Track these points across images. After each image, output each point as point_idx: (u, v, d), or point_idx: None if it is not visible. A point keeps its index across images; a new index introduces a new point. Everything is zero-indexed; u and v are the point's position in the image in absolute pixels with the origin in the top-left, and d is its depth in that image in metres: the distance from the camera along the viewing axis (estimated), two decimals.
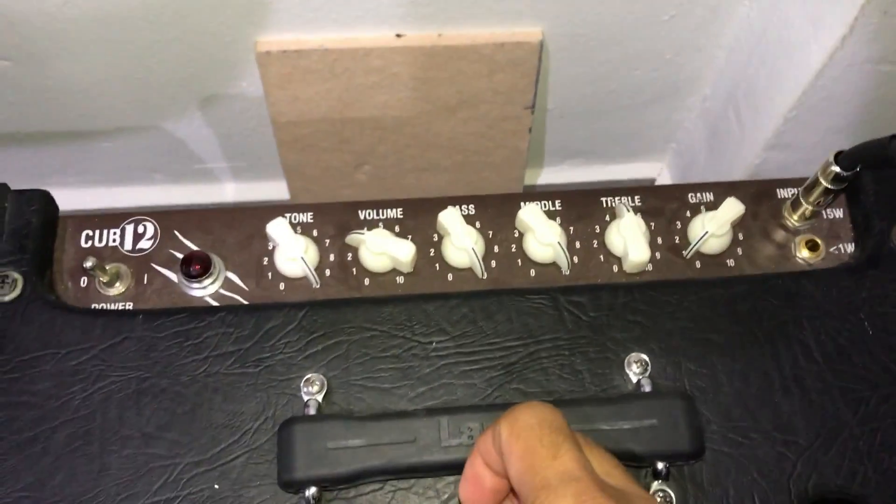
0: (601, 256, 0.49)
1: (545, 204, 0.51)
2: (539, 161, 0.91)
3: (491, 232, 0.50)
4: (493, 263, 0.49)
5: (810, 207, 0.48)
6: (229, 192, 0.91)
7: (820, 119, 0.67)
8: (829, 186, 0.46)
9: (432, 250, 0.49)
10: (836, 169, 0.45)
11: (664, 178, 0.92)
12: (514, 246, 0.50)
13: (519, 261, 0.49)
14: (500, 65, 0.74)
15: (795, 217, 0.49)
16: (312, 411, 0.42)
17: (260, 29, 0.69)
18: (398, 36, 0.71)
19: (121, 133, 0.81)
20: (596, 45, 0.73)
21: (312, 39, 0.71)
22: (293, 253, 0.47)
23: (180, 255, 0.48)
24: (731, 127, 0.76)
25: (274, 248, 0.48)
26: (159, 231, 0.49)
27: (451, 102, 0.78)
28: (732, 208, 0.48)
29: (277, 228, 0.47)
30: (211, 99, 0.77)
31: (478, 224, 0.50)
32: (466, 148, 0.84)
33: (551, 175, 0.92)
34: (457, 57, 0.73)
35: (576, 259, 0.49)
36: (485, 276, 0.48)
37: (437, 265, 0.49)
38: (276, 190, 0.90)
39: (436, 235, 0.50)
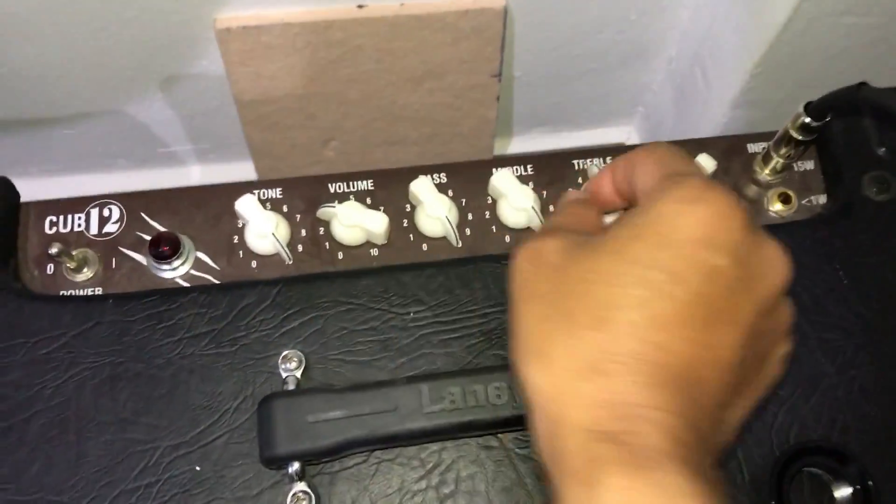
0: None
1: (517, 169, 0.50)
2: (508, 130, 0.91)
3: (464, 199, 0.50)
4: (468, 231, 0.49)
5: (781, 160, 0.48)
6: (195, 174, 0.89)
7: (786, 74, 0.67)
8: (800, 137, 0.46)
9: (405, 220, 0.49)
10: (807, 119, 0.45)
11: (633, 141, 0.92)
12: (487, 213, 0.49)
13: (493, 227, 0.49)
14: (465, 33, 0.73)
15: (767, 171, 0.49)
16: (291, 387, 0.42)
17: (218, 5, 0.68)
18: (360, 7, 0.70)
19: (81, 119, 0.79)
20: (560, 10, 0.72)
21: (272, 14, 0.70)
22: (263, 230, 0.46)
23: (148, 238, 0.47)
24: (698, 87, 0.76)
25: (244, 225, 0.48)
26: (125, 214, 0.48)
27: (416, 73, 0.77)
28: (703, 165, 0.48)
29: (246, 205, 0.46)
30: (172, 80, 0.76)
31: (450, 192, 0.50)
32: (434, 119, 0.83)
33: (521, 144, 0.92)
34: (420, 26, 0.72)
35: None
36: (460, 245, 0.48)
37: (411, 235, 0.49)
38: (243, 170, 0.89)
39: (408, 206, 0.49)
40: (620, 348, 0.30)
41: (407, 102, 0.80)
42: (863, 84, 0.41)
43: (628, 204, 0.40)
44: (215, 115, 0.81)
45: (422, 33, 0.73)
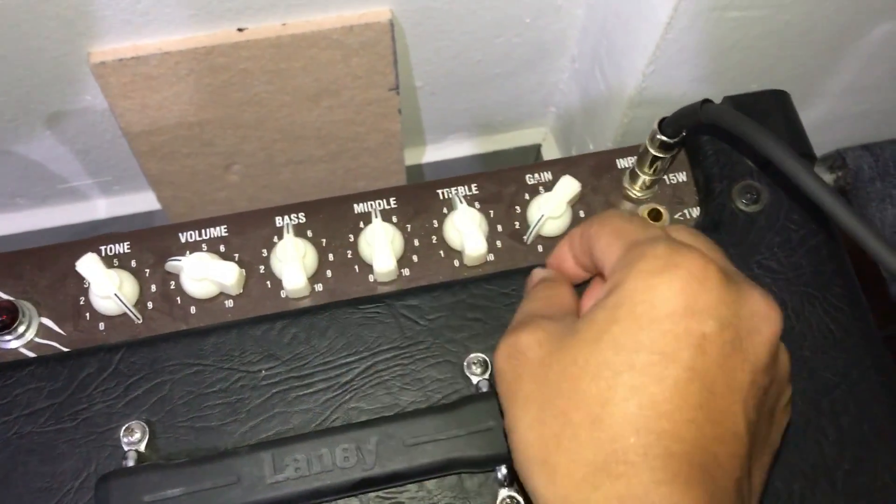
0: (441, 252, 0.47)
1: (380, 203, 0.48)
2: (420, 139, 0.88)
3: (324, 239, 0.47)
4: (329, 273, 0.47)
5: (648, 177, 0.46)
6: (101, 208, 0.87)
7: (679, 71, 0.65)
8: (658, 154, 0.44)
9: (262, 267, 0.47)
10: (662, 137, 0.43)
11: (549, 142, 0.90)
12: (349, 251, 0.47)
13: (356, 266, 0.47)
14: (353, 48, 0.71)
15: (637, 187, 0.47)
16: (131, 462, 0.39)
17: (90, 39, 0.65)
18: (240, 30, 0.68)
19: None
20: (450, 18, 0.70)
21: (150, 44, 0.67)
22: (106, 291, 0.43)
23: None
24: (599, 86, 0.74)
25: (88, 286, 0.45)
26: None
27: (310, 92, 0.74)
28: (567, 187, 0.45)
29: (87, 266, 0.44)
30: (57, 116, 0.73)
31: (309, 233, 0.47)
32: (338, 136, 0.80)
33: (435, 152, 0.90)
34: (306, 45, 0.70)
35: (415, 258, 0.47)
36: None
37: (268, 282, 0.46)
38: (148, 201, 0.86)
39: (265, 251, 0.47)
40: (623, 445, 0.29)
41: (306, 121, 0.78)
42: (706, 101, 0.39)
43: (593, 274, 0.39)
44: (110, 147, 0.79)
45: (309, 52, 0.70)
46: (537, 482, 0.31)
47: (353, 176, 0.86)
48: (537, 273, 0.41)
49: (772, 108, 0.47)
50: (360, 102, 0.76)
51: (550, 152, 0.89)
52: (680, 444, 0.28)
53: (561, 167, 0.48)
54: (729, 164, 0.46)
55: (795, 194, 0.45)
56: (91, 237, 0.47)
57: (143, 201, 0.87)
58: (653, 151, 0.44)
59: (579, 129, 0.82)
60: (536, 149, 0.91)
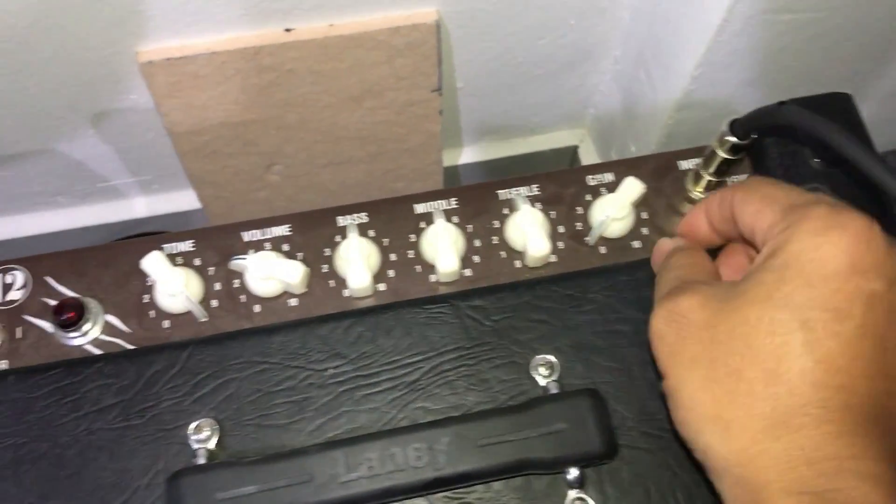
0: (503, 253, 0.47)
1: (441, 203, 0.48)
2: (457, 141, 0.88)
3: (386, 239, 0.47)
4: (391, 273, 0.47)
5: (712, 178, 0.46)
6: (140, 207, 0.87)
7: (728, 74, 0.65)
8: (727, 157, 0.44)
9: (325, 266, 0.47)
10: (733, 139, 0.43)
11: (587, 143, 0.89)
12: (411, 252, 0.47)
13: (418, 267, 0.47)
14: (399, 49, 0.71)
15: (699, 189, 0.47)
16: (202, 460, 0.39)
17: (139, 38, 0.65)
18: (287, 30, 0.68)
19: (14, 160, 0.77)
20: (496, 19, 0.70)
21: (197, 43, 0.67)
22: (173, 288, 0.44)
23: (54, 303, 0.45)
24: (643, 89, 0.74)
25: (153, 283, 0.45)
26: (30, 279, 0.46)
27: (354, 93, 0.75)
28: (631, 188, 0.45)
29: (152, 263, 0.44)
30: (102, 115, 0.73)
31: (371, 232, 0.47)
32: (378, 137, 0.80)
33: (472, 154, 0.90)
34: (352, 46, 0.70)
35: (477, 258, 0.47)
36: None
37: (331, 281, 0.46)
38: (187, 200, 0.86)
39: (328, 250, 0.47)
40: (801, 399, 0.30)
41: (348, 122, 0.78)
42: (782, 103, 0.39)
43: (728, 241, 0.40)
44: (152, 146, 0.79)
45: (355, 53, 0.70)
46: (710, 438, 0.32)
47: (391, 177, 0.86)
48: (666, 243, 0.42)
49: (835, 110, 0.47)
50: (403, 103, 0.76)
51: (588, 154, 0.89)
52: (856, 397, 0.29)
53: (622, 168, 0.48)
54: (794, 166, 0.46)
55: (860, 197, 0.45)
56: (156, 234, 0.47)
57: (182, 200, 0.88)
58: (722, 154, 0.44)
59: (620, 132, 0.82)
60: (573, 151, 0.91)
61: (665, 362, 0.35)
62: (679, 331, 0.34)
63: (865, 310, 0.30)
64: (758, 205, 0.35)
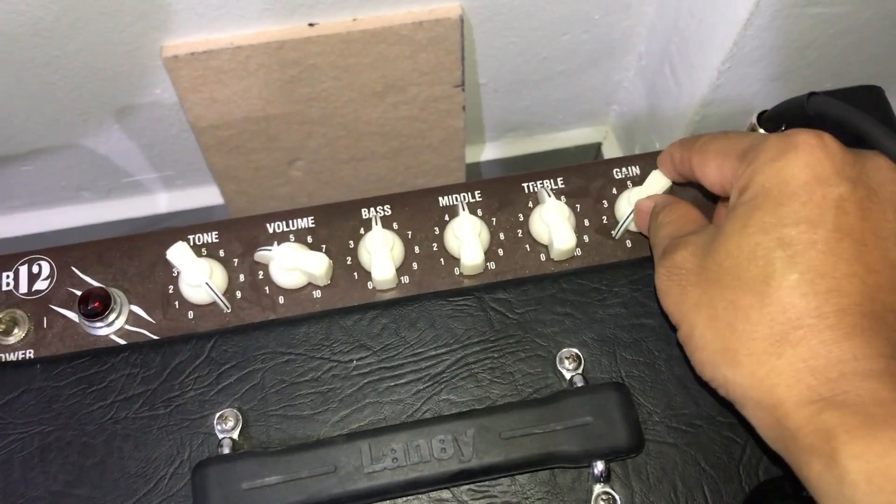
0: (527, 246, 0.47)
1: (465, 196, 0.48)
2: (480, 137, 0.88)
3: (410, 232, 0.47)
4: (415, 265, 0.46)
5: None
6: (162, 202, 0.87)
7: (755, 69, 0.64)
8: None
9: (349, 258, 0.47)
10: (761, 130, 0.43)
11: (610, 140, 0.89)
12: (435, 244, 0.47)
13: (442, 260, 0.47)
14: (422, 44, 0.71)
15: None
16: (227, 450, 0.39)
17: (164, 33, 0.66)
18: (311, 25, 0.68)
19: (38, 155, 0.77)
20: (519, 14, 0.70)
21: (221, 38, 0.68)
22: (196, 279, 0.44)
23: (79, 293, 0.45)
24: (669, 84, 0.73)
25: (178, 274, 0.45)
26: (55, 269, 0.46)
27: (377, 88, 0.75)
28: (657, 181, 0.45)
29: (177, 254, 0.44)
30: (126, 110, 0.74)
31: (395, 225, 0.47)
32: (401, 132, 0.80)
33: (494, 150, 0.89)
34: (375, 40, 0.70)
35: (501, 251, 0.47)
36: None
37: (355, 273, 0.46)
38: (210, 195, 0.87)
39: (351, 242, 0.47)
40: (795, 313, 0.31)
41: (371, 118, 0.78)
42: (812, 94, 0.38)
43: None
44: (175, 142, 0.79)
45: (378, 47, 0.70)
46: (724, 370, 0.33)
47: (413, 173, 0.86)
48: (645, 204, 0.44)
49: (866, 103, 0.46)
50: (426, 99, 0.76)
51: (611, 151, 0.89)
52: (847, 297, 0.30)
53: (648, 161, 0.48)
54: None
55: None
56: (180, 227, 0.47)
57: (204, 196, 0.88)
58: None
59: (644, 128, 0.81)
60: (596, 147, 0.90)
61: (674, 313, 0.36)
62: (679, 282, 0.36)
63: (836, 214, 0.31)
64: (716, 161, 0.37)
